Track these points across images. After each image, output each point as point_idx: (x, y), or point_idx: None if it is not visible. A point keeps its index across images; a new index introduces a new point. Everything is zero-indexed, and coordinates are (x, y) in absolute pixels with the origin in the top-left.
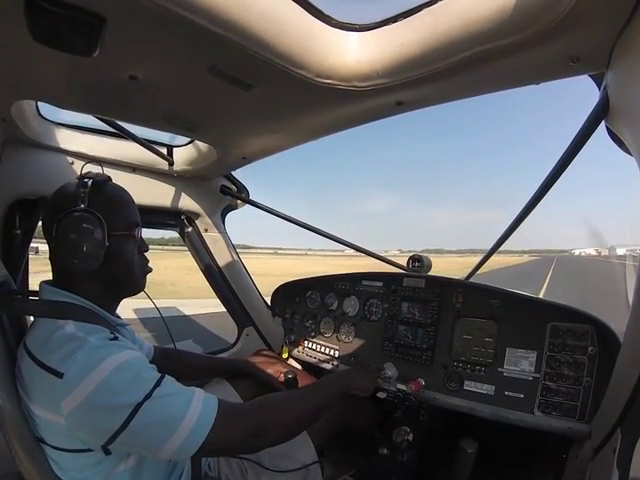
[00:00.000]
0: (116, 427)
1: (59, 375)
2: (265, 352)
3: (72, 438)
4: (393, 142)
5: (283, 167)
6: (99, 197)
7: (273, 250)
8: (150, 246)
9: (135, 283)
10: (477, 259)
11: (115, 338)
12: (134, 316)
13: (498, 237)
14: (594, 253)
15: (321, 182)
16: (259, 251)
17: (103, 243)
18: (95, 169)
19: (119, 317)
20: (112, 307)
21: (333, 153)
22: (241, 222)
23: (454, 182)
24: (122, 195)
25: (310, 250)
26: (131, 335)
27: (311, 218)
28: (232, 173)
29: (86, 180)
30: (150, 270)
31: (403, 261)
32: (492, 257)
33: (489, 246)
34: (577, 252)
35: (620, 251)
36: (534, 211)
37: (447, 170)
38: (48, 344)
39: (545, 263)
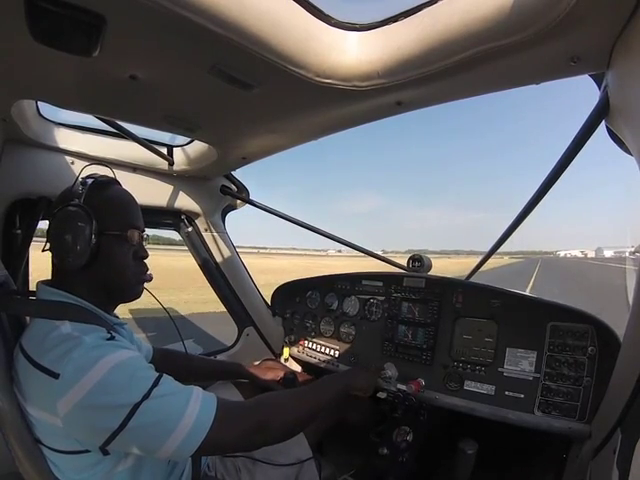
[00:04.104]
0: (114, 427)
1: (55, 375)
2: (269, 359)
3: (69, 439)
4: (385, 144)
5: (274, 167)
6: (97, 196)
7: None
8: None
9: (126, 289)
10: (454, 260)
11: (112, 338)
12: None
13: (487, 238)
14: (580, 255)
15: (304, 183)
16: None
17: (89, 239)
18: (103, 171)
19: (117, 317)
20: (109, 308)
21: (319, 153)
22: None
23: (444, 184)
24: (123, 197)
25: (266, 248)
26: (129, 335)
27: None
28: (232, 173)
29: (86, 179)
30: (148, 279)
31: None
32: (460, 260)
33: (474, 248)
34: (562, 254)
35: (607, 253)
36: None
37: (438, 172)
38: (43, 344)
39: (528, 266)
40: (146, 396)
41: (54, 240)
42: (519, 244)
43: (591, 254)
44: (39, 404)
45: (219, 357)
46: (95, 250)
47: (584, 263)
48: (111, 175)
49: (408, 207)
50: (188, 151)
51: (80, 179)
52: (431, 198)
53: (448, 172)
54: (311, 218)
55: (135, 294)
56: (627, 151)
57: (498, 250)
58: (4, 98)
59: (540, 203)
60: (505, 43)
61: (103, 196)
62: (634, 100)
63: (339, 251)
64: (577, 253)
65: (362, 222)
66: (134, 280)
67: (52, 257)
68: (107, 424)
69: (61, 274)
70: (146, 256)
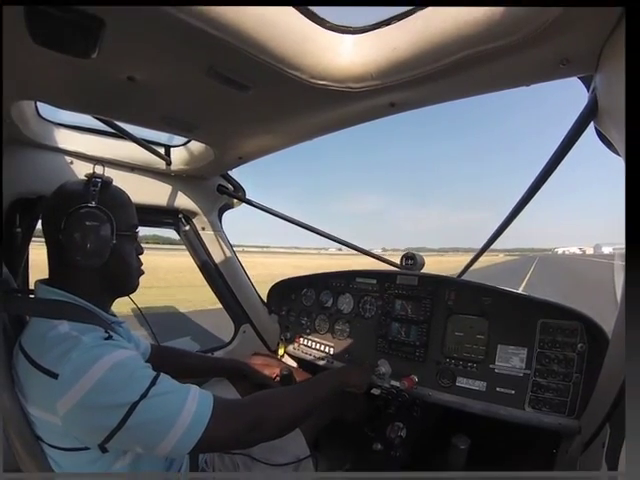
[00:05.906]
0: (112, 426)
1: (54, 376)
2: (263, 353)
3: (68, 437)
4: (381, 145)
5: (273, 168)
6: (106, 197)
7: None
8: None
9: (131, 284)
10: (443, 259)
11: (110, 337)
12: None
13: (485, 236)
14: (578, 252)
15: (305, 184)
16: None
17: (111, 240)
18: (89, 169)
19: (114, 315)
20: (107, 305)
21: (321, 155)
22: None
23: (441, 184)
24: (126, 197)
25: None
26: (127, 333)
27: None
28: (229, 172)
29: (95, 180)
30: (143, 272)
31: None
32: (445, 259)
33: (472, 245)
34: (560, 251)
35: (606, 250)
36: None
37: (434, 172)
38: (42, 344)
39: (521, 266)
40: (144, 395)
41: (70, 239)
42: (516, 241)
43: (589, 251)
44: (39, 403)
45: (216, 354)
46: (112, 250)
47: (586, 260)
48: (102, 174)
49: (406, 206)
50: (185, 151)
51: (86, 178)
52: (428, 197)
53: (443, 172)
54: (310, 219)
55: (134, 288)
56: (615, 152)
57: (494, 247)
58: (4, 99)
59: (538, 201)
60: (496, 46)
61: (111, 197)
62: (621, 102)
63: (339, 249)
64: (575, 250)
65: (364, 223)
66: (136, 275)
67: (56, 254)
68: (106, 423)
69: (61, 273)
70: (143, 252)
